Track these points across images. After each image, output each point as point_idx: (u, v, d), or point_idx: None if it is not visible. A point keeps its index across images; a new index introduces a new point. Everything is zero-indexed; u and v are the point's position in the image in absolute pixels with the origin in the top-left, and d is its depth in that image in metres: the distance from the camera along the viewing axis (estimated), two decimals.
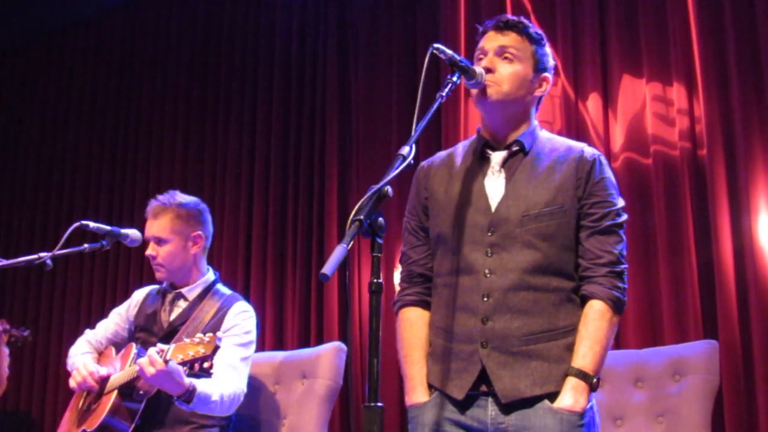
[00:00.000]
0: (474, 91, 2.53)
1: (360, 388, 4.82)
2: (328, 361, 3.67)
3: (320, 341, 5.00)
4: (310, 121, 5.68)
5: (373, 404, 1.98)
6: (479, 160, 2.54)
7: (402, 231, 2.70)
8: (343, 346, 3.73)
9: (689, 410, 3.19)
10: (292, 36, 5.94)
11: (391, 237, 4.89)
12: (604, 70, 4.52)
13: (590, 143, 4.11)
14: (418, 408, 2.45)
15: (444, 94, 2.32)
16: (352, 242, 1.94)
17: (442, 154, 2.71)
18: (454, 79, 2.38)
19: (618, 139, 4.40)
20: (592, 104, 4.48)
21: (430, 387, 2.46)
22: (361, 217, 1.98)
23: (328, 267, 1.86)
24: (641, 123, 4.37)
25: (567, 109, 4.54)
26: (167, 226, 3.55)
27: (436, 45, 2.36)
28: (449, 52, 2.37)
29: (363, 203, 2.00)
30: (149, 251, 3.57)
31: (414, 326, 2.54)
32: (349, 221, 1.98)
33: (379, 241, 2.04)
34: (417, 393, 2.46)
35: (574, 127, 4.46)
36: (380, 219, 2.03)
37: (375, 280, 2.02)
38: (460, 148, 2.65)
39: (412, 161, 2.12)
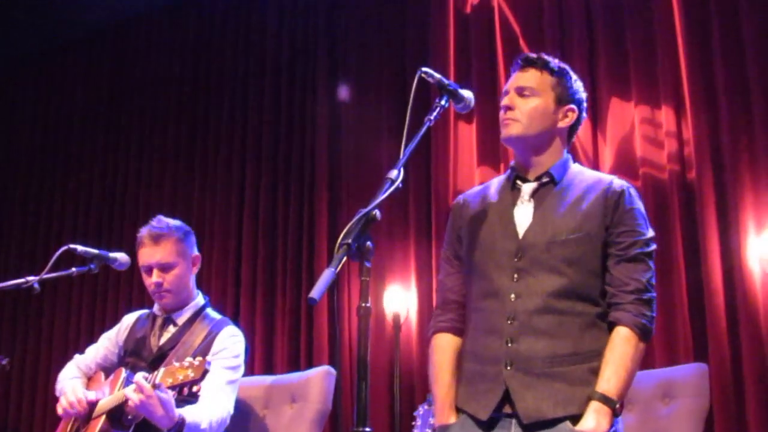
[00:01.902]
0: (501, 130, 2.58)
1: (349, 413, 4.80)
2: (317, 385, 3.66)
3: (310, 365, 4.99)
4: (300, 144, 5.70)
5: (361, 429, 1.97)
6: (511, 191, 2.58)
7: (440, 261, 2.74)
8: (332, 370, 3.71)
9: None
10: (282, 60, 5.97)
11: (381, 260, 4.89)
12: (593, 92, 4.55)
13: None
14: (444, 430, 2.48)
15: (432, 117, 2.35)
16: (340, 266, 1.94)
17: (476, 188, 2.76)
18: (443, 102, 2.40)
19: (607, 162, 4.41)
20: (582, 126, 4.47)
21: (458, 410, 2.48)
22: (349, 240, 1.97)
23: (316, 291, 1.86)
24: (630, 145, 4.39)
25: None
26: (173, 250, 3.53)
27: (424, 69, 2.38)
28: (437, 75, 2.40)
29: (351, 227, 2.00)
30: (154, 279, 3.51)
31: (445, 351, 2.58)
32: (337, 245, 1.98)
33: (368, 264, 2.03)
34: (444, 415, 2.49)
35: None
36: (368, 243, 2.03)
37: (363, 305, 2.01)
38: (495, 182, 2.70)
39: (400, 185, 2.12)
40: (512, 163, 2.65)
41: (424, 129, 2.30)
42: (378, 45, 5.54)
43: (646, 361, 4.05)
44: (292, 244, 5.53)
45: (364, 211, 2.03)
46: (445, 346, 2.58)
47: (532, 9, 4.90)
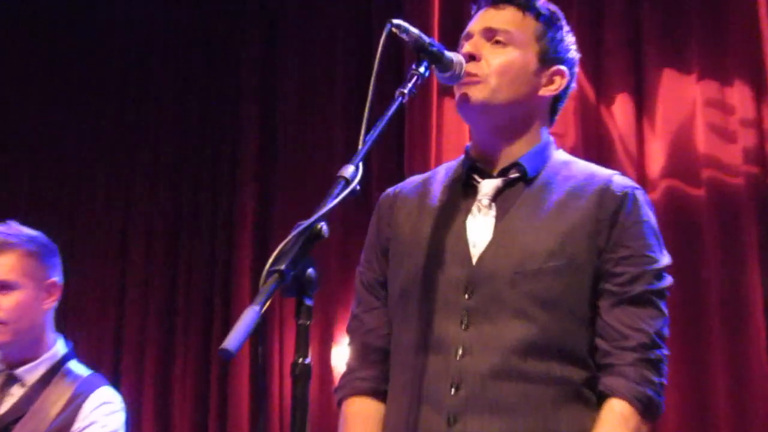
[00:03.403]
0: (454, 90, 2.53)
1: None
2: None
3: None
4: (218, 130, 5.70)
5: None
6: (463, 190, 2.54)
7: (355, 286, 2.69)
8: None
9: None
10: (198, 18, 5.99)
11: (330, 295, 4.88)
12: (638, 62, 4.57)
13: (617, 166, 4.14)
14: None
15: (407, 91, 2.28)
16: (268, 304, 1.91)
17: (416, 179, 2.73)
18: (421, 70, 2.34)
19: (657, 161, 4.43)
20: (620, 110, 4.52)
21: None
22: (282, 267, 1.94)
23: (233, 340, 1.83)
24: (689, 137, 4.40)
25: (584, 116, 4.57)
26: (17, 266, 3.50)
27: (395, 21, 2.34)
28: (414, 31, 2.35)
29: (285, 247, 1.95)
30: None
31: (365, 424, 2.53)
32: (264, 273, 1.94)
33: (308, 302, 1.99)
34: None
35: (594, 143, 4.49)
36: (310, 270, 1.98)
37: (300, 360, 1.98)
38: (442, 173, 2.66)
39: (358, 187, 2.10)
40: (468, 147, 2.62)
41: (394, 107, 2.26)
42: None
43: None
44: (199, 272, 5.52)
45: (305, 224, 1.99)
46: (365, 417, 2.54)
47: None
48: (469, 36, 2.55)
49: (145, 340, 5.59)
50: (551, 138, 2.62)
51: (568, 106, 4.52)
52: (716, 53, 4.43)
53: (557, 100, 2.62)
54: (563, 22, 2.62)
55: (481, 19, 2.57)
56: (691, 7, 4.51)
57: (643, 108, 4.53)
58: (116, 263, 5.80)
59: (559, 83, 2.58)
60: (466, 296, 2.39)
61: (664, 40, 4.54)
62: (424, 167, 4.82)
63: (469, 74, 2.47)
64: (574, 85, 2.64)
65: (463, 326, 2.37)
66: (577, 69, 2.64)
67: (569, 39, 2.62)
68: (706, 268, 4.23)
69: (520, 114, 2.55)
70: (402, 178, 4.86)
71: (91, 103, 6.18)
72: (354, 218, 5.02)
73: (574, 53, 2.63)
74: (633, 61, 4.58)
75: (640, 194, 2.50)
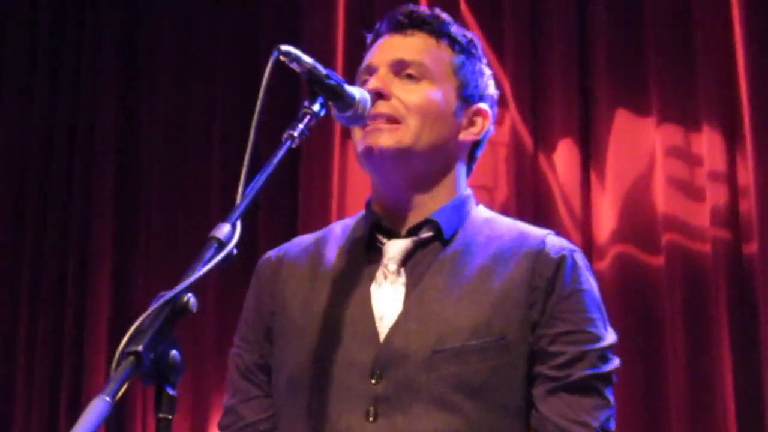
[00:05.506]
0: (355, 135, 2.53)
1: None
2: None
3: None
4: (65, 172, 5.69)
5: None
6: (366, 253, 2.53)
7: (227, 371, 2.67)
8: None
9: None
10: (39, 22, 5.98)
11: (203, 380, 4.86)
12: (585, 102, 4.59)
13: (558, 228, 4.15)
14: None
15: (297, 133, 2.25)
16: (121, 392, 1.90)
17: (304, 239, 2.71)
18: (316, 108, 2.31)
19: (606, 222, 4.45)
20: (563, 160, 4.54)
21: None
22: (139, 348, 1.93)
23: None
24: (646, 194, 4.43)
25: (519, 166, 4.58)
26: None
27: (284, 47, 2.29)
28: (308, 60, 2.32)
29: (143, 324, 1.94)
30: None
31: None
32: (116, 356, 1.93)
33: (171, 392, 2.00)
34: None
35: (530, 199, 4.51)
36: (173, 353, 1.98)
37: None
38: (338, 232, 2.64)
39: (234, 250, 2.09)
40: (368, 201, 2.61)
41: (280, 154, 2.24)
42: (212, 12, 5.59)
43: None
44: (44, 347, 5.50)
45: (168, 295, 1.97)
46: None
47: None
48: (373, 69, 2.53)
49: None
50: (470, 191, 2.62)
51: (499, 154, 4.58)
52: (680, 92, 4.46)
53: (476, 145, 2.63)
54: (480, 53, 2.63)
55: (386, 49, 2.56)
56: (649, 36, 4.55)
57: (590, 157, 4.57)
58: None
59: (481, 125, 2.59)
60: (373, 381, 2.38)
61: (617, 77, 4.57)
62: (324, 217, 4.79)
63: (379, 115, 2.45)
64: (492, 128, 2.64)
65: (370, 418, 2.36)
66: (496, 109, 2.66)
67: (488, 73, 2.65)
68: (667, 351, 4.25)
69: (439, 163, 2.55)
70: (295, 234, 4.90)
71: None
72: (234, 288, 5.01)
73: (493, 89, 2.65)
74: (580, 101, 4.60)
75: (579, 257, 2.50)
